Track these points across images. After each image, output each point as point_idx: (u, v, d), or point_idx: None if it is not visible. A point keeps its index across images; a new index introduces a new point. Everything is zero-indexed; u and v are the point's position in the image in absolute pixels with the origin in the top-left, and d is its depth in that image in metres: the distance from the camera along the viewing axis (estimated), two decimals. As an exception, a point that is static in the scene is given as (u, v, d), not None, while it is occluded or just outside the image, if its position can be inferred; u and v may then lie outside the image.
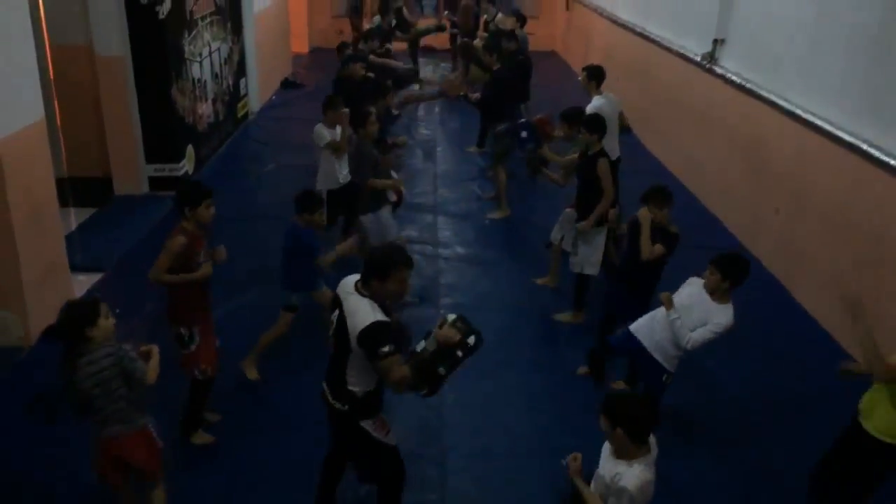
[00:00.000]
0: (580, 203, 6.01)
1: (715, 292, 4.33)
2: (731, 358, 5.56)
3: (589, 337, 5.72)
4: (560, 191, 7.24)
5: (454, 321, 3.53)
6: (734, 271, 4.28)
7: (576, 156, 6.32)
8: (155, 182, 8.50)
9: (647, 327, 4.62)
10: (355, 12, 16.01)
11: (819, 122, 6.25)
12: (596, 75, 7.47)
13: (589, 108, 6.92)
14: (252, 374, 5.33)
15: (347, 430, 3.66)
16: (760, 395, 5.40)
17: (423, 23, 16.94)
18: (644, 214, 4.99)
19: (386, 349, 3.35)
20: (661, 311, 4.54)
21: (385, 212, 6.33)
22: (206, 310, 4.58)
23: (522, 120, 7.40)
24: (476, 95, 8.92)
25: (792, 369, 5.70)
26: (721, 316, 4.28)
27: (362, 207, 6.26)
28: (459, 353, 3.46)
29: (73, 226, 7.58)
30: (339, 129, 6.83)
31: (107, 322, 3.53)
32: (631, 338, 4.67)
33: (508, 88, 8.63)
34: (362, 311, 3.40)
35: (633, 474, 3.07)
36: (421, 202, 8.61)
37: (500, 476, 4.53)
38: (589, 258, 5.98)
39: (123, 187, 8.40)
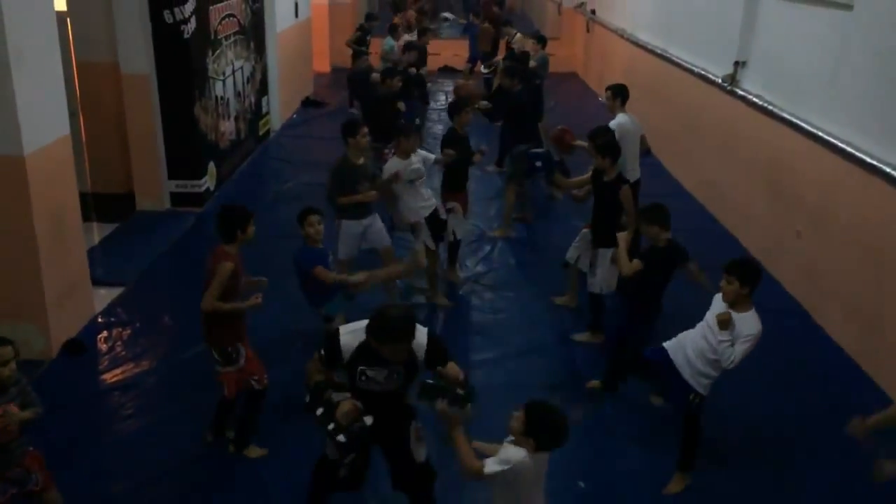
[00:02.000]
0: (597, 225, 5.99)
1: (736, 302, 4.23)
2: (752, 382, 5.49)
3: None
4: (575, 211, 7.22)
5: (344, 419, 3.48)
6: (751, 274, 4.24)
7: (588, 176, 6.30)
8: (176, 198, 8.59)
9: (677, 343, 4.56)
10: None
11: (841, 145, 6.20)
12: (621, 92, 7.45)
13: (612, 125, 6.85)
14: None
15: None
16: (779, 418, 5.33)
17: (444, 47, 17.07)
18: (621, 236, 5.22)
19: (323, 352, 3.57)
20: (696, 329, 4.47)
21: (368, 221, 6.19)
22: (244, 325, 4.64)
23: (538, 150, 7.40)
24: (485, 104, 9.20)
25: (813, 394, 5.61)
26: (751, 325, 4.18)
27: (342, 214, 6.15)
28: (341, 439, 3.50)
29: (96, 240, 7.67)
30: (416, 156, 6.35)
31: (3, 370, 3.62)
32: (663, 353, 4.60)
33: (522, 110, 8.62)
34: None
35: (514, 449, 3.23)
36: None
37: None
38: (607, 278, 5.96)
39: (145, 203, 8.50)
